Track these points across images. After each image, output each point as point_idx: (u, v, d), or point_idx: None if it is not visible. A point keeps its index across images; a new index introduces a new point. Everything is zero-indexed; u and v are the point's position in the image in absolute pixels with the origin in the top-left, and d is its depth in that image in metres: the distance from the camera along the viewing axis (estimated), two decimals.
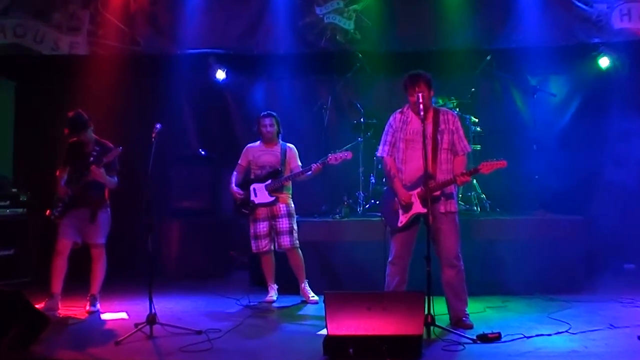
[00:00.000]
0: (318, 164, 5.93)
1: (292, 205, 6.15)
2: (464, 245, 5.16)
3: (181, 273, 7.35)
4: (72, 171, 5.75)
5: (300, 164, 6.18)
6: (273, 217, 6.06)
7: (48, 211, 5.77)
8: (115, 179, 5.79)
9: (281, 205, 6.05)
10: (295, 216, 6.16)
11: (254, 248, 6.10)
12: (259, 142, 6.24)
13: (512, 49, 7.27)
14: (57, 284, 5.71)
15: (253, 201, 6.05)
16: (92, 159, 5.66)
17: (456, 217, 5.09)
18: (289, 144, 6.24)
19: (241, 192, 6.08)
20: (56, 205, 5.72)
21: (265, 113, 6.21)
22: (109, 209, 5.88)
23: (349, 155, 5.91)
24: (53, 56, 7.39)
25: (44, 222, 5.89)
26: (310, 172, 5.96)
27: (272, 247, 6.13)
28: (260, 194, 6.05)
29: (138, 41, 7.46)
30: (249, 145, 6.30)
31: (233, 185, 6.14)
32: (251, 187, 6.08)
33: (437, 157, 5.00)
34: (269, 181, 6.05)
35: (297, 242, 6.07)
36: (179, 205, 7.68)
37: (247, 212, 6.08)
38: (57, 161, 5.97)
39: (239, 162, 6.25)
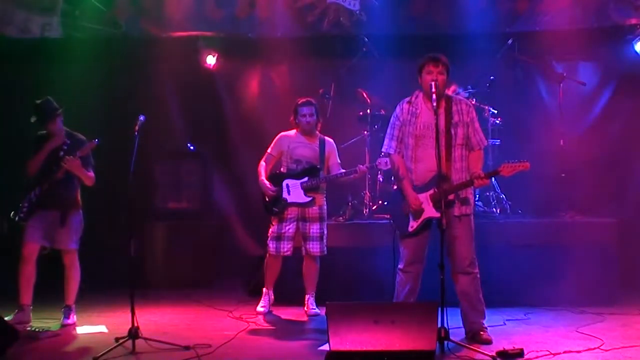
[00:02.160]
0: (365, 166, 5.90)
1: (325, 208, 6.10)
2: (481, 250, 5.16)
3: (167, 282, 7.35)
4: (41, 167, 5.73)
5: (339, 161, 6.14)
6: (303, 219, 5.99)
7: (12, 212, 5.77)
8: (92, 174, 5.78)
9: (315, 208, 5.99)
10: (326, 220, 6.11)
11: (272, 249, 5.99)
12: (294, 131, 6.16)
13: (536, 31, 7.27)
14: (27, 294, 5.71)
15: (285, 199, 5.97)
16: (62, 153, 5.65)
17: (472, 219, 5.08)
18: (327, 138, 6.17)
19: (273, 187, 5.99)
20: (21, 205, 5.71)
21: (304, 100, 6.10)
22: (80, 211, 5.86)
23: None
24: (22, 39, 7.39)
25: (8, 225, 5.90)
26: (354, 175, 5.89)
27: (292, 254, 6.04)
28: (294, 192, 5.97)
29: (119, 23, 7.47)
30: (283, 133, 6.18)
31: (263, 177, 6.01)
32: (284, 183, 5.99)
33: (451, 155, 4.98)
34: (306, 179, 5.97)
35: (326, 249, 6.04)
36: (164, 206, 7.69)
37: (277, 210, 5.99)
38: (25, 161, 5.95)
39: (269, 151, 6.13)
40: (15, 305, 5.73)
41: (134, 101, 7.37)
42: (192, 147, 7.82)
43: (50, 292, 5.90)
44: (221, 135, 8.04)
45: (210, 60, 7.82)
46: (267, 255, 6.10)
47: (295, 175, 6.01)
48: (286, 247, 5.98)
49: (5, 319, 4.99)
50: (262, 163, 6.10)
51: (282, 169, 6.13)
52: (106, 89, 7.66)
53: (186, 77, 7.97)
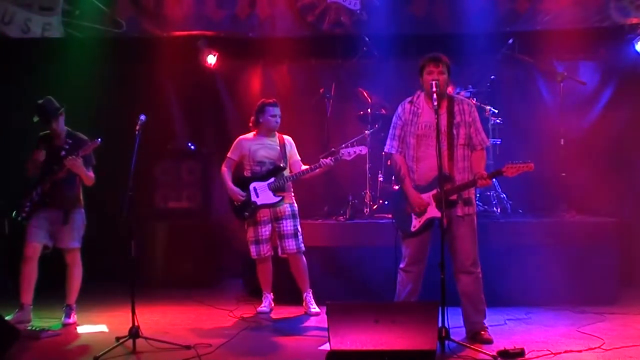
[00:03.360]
0: (329, 159, 5.90)
1: (296, 205, 6.14)
2: (482, 250, 5.15)
3: (167, 281, 7.36)
4: (43, 167, 5.74)
5: (299, 157, 6.17)
6: (276, 219, 6.03)
7: (14, 212, 5.77)
8: (92, 174, 5.79)
9: (285, 206, 6.03)
10: (299, 218, 6.15)
11: (254, 253, 6.07)
12: (252, 133, 6.21)
13: (536, 31, 7.26)
14: (28, 294, 5.72)
15: (255, 202, 6.00)
16: (63, 152, 5.66)
17: (474, 219, 5.09)
18: (286, 136, 6.21)
19: (242, 192, 6.02)
20: (23, 205, 5.71)
21: (272, 101, 6.14)
22: (83, 209, 5.88)
23: (363, 150, 5.89)
24: (23, 40, 7.39)
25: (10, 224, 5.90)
26: (319, 170, 5.93)
27: (272, 253, 6.12)
28: (262, 193, 6.00)
29: (120, 22, 7.47)
30: (241, 137, 6.25)
31: (230, 183, 6.06)
32: (251, 187, 6.02)
33: (453, 154, 4.98)
34: (272, 179, 6.01)
35: (303, 245, 6.06)
36: (165, 206, 7.68)
37: (248, 214, 6.04)
38: (25, 159, 5.95)
39: (230, 156, 6.18)
40: (16, 305, 5.73)
41: (134, 101, 7.36)
42: (192, 147, 7.83)
43: (50, 291, 5.90)
44: (221, 135, 8.04)
45: (211, 59, 7.82)
46: (254, 261, 6.15)
47: (261, 177, 6.04)
48: (265, 249, 6.05)
49: (6, 318, 4.99)
50: (224, 169, 6.13)
51: (245, 173, 6.14)
52: (106, 88, 7.65)
53: (186, 77, 7.96)
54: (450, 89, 6.59)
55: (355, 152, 5.86)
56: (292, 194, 6.15)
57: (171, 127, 8.05)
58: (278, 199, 5.99)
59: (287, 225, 6.01)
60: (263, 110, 6.10)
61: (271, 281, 6.21)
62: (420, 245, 5.08)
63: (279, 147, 6.11)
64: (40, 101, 5.76)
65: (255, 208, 6.01)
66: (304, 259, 6.08)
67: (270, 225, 6.04)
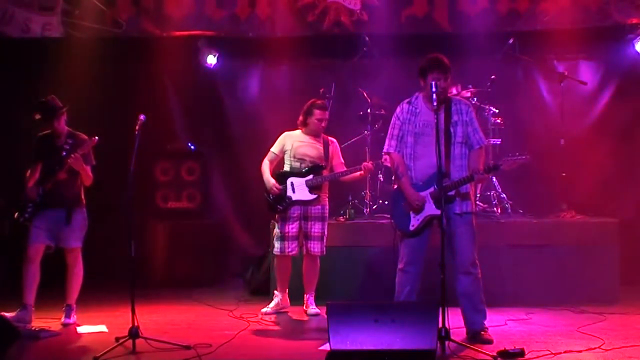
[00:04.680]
0: (370, 162, 5.91)
1: (327, 208, 6.11)
2: (482, 250, 5.16)
3: (167, 281, 7.37)
4: (43, 168, 5.75)
5: (342, 161, 6.16)
6: (305, 219, 6.00)
7: (16, 213, 5.77)
8: (90, 173, 5.79)
9: (318, 207, 6.00)
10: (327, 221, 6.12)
11: (278, 250, 6.01)
12: (299, 131, 6.16)
13: (537, 31, 7.26)
14: (30, 294, 5.71)
15: (290, 197, 5.98)
16: (64, 153, 5.67)
17: (473, 218, 5.08)
18: (331, 138, 6.19)
19: (279, 185, 6.00)
20: (25, 206, 5.72)
21: (322, 103, 6.11)
22: (84, 209, 5.89)
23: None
24: (23, 39, 7.39)
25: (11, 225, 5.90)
26: (360, 172, 5.93)
27: (298, 253, 6.06)
28: (299, 189, 5.98)
29: (120, 23, 7.48)
30: (287, 132, 6.19)
31: (269, 176, 6.04)
32: (288, 181, 5.99)
33: (451, 152, 4.99)
34: (311, 176, 5.98)
35: (325, 250, 6.04)
36: (164, 206, 7.69)
37: (281, 208, 6.00)
38: (25, 160, 5.95)
39: (273, 150, 6.14)
40: (16, 305, 5.73)
41: (134, 101, 7.37)
42: (192, 147, 7.83)
43: (50, 291, 5.90)
44: (221, 135, 8.04)
45: (211, 60, 7.83)
46: (274, 257, 6.12)
47: (300, 174, 6.02)
48: (291, 247, 5.99)
49: (7, 317, 4.99)
50: (266, 161, 6.12)
51: (285, 168, 6.14)
52: (106, 88, 7.66)
53: (186, 77, 7.97)
54: (455, 90, 6.69)
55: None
56: (327, 196, 6.12)
57: (171, 127, 8.06)
58: (314, 196, 5.97)
59: (316, 227, 5.98)
60: (311, 113, 6.05)
61: (287, 281, 6.16)
62: (419, 245, 5.08)
63: (322, 147, 6.09)
64: (42, 99, 5.77)
65: (290, 203, 5.98)
66: (319, 262, 6.07)
67: (298, 223, 6.00)
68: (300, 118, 6.12)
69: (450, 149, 4.99)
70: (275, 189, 5.98)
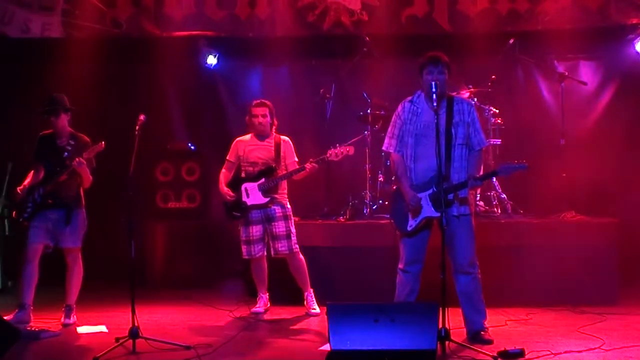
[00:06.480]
0: (313, 162, 5.91)
1: (289, 206, 6.15)
2: (482, 250, 5.16)
3: (167, 281, 7.36)
4: (45, 168, 5.75)
5: (297, 159, 6.18)
6: (267, 220, 6.05)
7: (15, 213, 5.77)
8: (90, 177, 5.80)
9: (276, 207, 6.05)
10: (293, 218, 6.16)
11: (245, 254, 6.11)
12: (249, 135, 6.22)
13: (537, 31, 7.26)
14: (29, 294, 5.72)
15: (245, 202, 6.04)
16: (66, 154, 5.67)
17: (472, 219, 5.09)
18: (283, 137, 6.22)
19: (232, 193, 6.06)
20: (24, 205, 5.72)
21: (258, 101, 6.18)
22: (84, 209, 5.89)
23: (350, 150, 5.89)
24: (23, 39, 7.39)
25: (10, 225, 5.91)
26: (304, 172, 5.94)
27: (265, 253, 6.13)
28: (252, 194, 6.04)
29: (120, 23, 7.49)
30: (238, 138, 6.27)
31: (222, 185, 6.12)
32: (242, 187, 6.06)
33: (451, 154, 4.99)
34: (262, 180, 6.03)
35: (296, 246, 6.07)
36: (164, 206, 7.69)
37: (239, 215, 6.08)
38: (26, 160, 5.96)
39: (228, 158, 6.22)
40: (16, 305, 5.74)
41: (134, 101, 7.37)
42: (192, 147, 7.83)
43: (50, 291, 5.91)
44: (221, 136, 8.04)
45: (211, 60, 7.83)
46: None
47: (252, 178, 6.06)
48: (256, 249, 6.06)
49: (5, 318, 5.00)
50: (223, 171, 6.20)
51: (242, 174, 6.19)
52: (106, 88, 7.66)
53: (186, 77, 7.98)
54: (464, 90, 6.69)
55: (342, 152, 5.84)
56: (285, 195, 6.15)
57: (171, 127, 8.06)
58: (267, 199, 6.01)
59: (279, 227, 6.02)
60: (248, 111, 6.16)
61: (266, 281, 6.24)
62: (418, 245, 5.08)
63: (273, 147, 6.11)
64: (53, 94, 5.78)
65: (246, 208, 6.04)
66: (302, 258, 6.09)
67: (261, 225, 6.06)
68: (246, 119, 6.18)
69: (451, 150, 4.98)
70: (228, 196, 6.04)
